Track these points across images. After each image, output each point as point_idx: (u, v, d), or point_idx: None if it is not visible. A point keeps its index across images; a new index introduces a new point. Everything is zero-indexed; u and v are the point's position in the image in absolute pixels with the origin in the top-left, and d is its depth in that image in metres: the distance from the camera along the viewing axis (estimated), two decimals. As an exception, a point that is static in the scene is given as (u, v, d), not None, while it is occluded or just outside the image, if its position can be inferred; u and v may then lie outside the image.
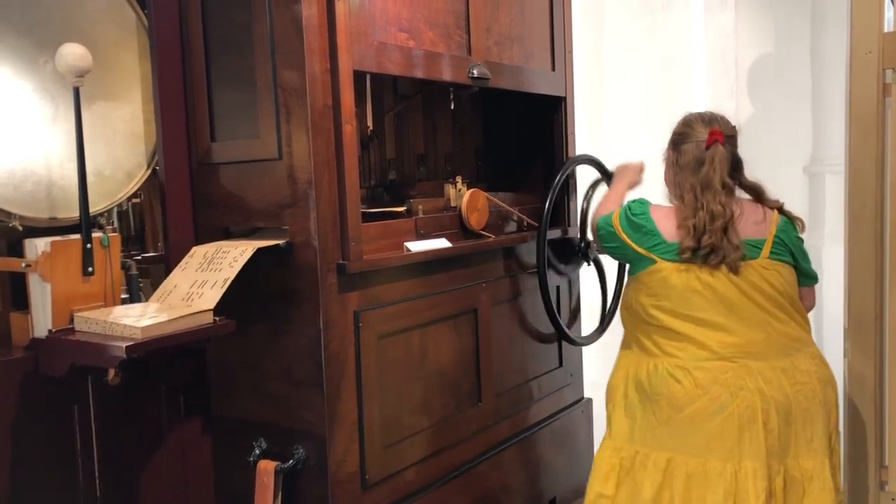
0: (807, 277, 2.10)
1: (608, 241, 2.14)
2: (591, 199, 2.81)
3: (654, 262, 2.02)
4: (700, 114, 2.12)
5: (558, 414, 2.89)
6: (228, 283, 1.86)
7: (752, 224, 2.02)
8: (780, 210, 2.07)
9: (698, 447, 1.92)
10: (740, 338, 1.94)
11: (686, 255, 1.96)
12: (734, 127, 2.10)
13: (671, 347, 1.99)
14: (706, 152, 2.02)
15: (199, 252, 2.02)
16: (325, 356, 1.95)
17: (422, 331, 2.24)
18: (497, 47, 2.50)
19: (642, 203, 2.11)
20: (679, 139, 2.10)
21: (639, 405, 2.03)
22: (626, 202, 2.15)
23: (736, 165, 2.06)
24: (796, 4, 4.09)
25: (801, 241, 2.10)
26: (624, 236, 2.07)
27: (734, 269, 1.95)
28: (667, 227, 2.02)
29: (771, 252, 2.00)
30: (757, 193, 2.09)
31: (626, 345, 2.16)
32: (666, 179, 2.17)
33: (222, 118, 2.12)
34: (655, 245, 2.02)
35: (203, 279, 1.90)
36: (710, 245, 1.94)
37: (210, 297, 1.84)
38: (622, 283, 2.91)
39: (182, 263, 2.02)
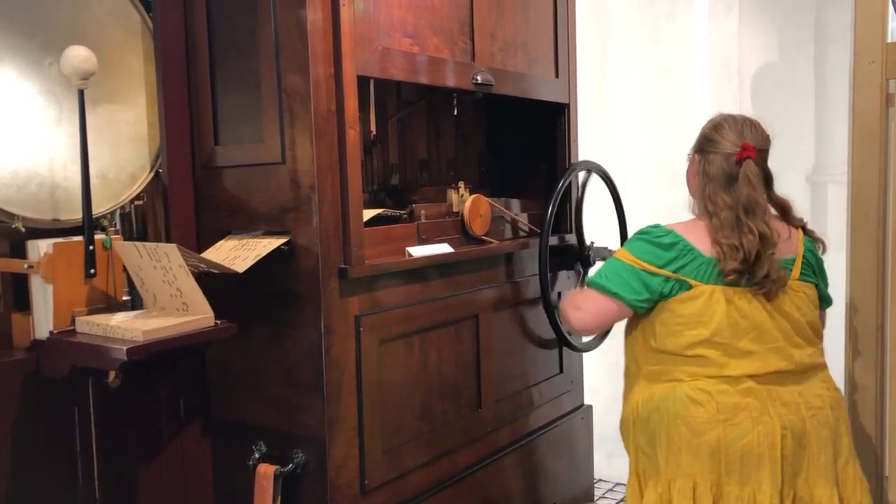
0: (824, 301, 2.06)
1: (628, 290, 1.89)
2: (584, 190, 2.79)
3: (688, 286, 1.87)
4: (733, 119, 1.96)
5: (558, 420, 2.89)
6: (260, 257, 1.92)
7: (781, 242, 1.91)
8: (804, 229, 2.02)
9: (718, 473, 1.84)
10: (769, 366, 1.87)
11: (732, 278, 1.82)
12: (768, 137, 1.96)
13: (690, 373, 1.89)
14: (737, 167, 1.89)
15: (232, 238, 2.09)
16: (325, 360, 1.95)
17: (422, 336, 2.24)
18: (501, 54, 2.50)
19: (658, 225, 1.94)
20: (707, 145, 1.96)
21: (656, 433, 1.91)
22: (634, 233, 1.99)
23: (767, 181, 1.95)
24: (800, 13, 4.10)
25: (823, 261, 2.04)
26: (648, 266, 1.89)
27: (771, 297, 1.86)
28: (700, 243, 1.88)
29: (801, 273, 1.94)
30: (784, 210, 2.00)
31: (632, 374, 2.03)
32: (690, 186, 2.06)
33: (226, 122, 2.12)
34: (690, 263, 1.87)
35: (234, 255, 1.98)
36: (764, 279, 1.83)
37: (241, 264, 1.92)
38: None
39: (216, 245, 2.07)
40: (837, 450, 1.91)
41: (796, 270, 1.94)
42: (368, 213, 2.20)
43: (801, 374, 1.92)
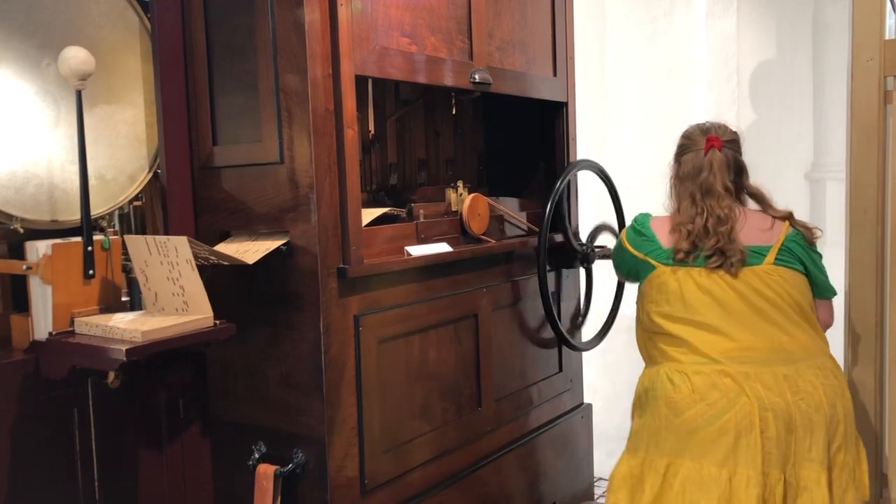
0: (821, 289, 2.08)
1: (621, 264, 2.22)
2: (594, 240, 2.82)
3: (653, 267, 2.08)
4: (699, 125, 2.17)
5: (558, 419, 2.89)
6: (269, 251, 1.95)
7: (756, 231, 2.03)
8: (791, 220, 2.06)
9: (694, 451, 1.91)
10: (740, 343, 1.94)
11: (680, 256, 2.01)
12: (734, 132, 2.14)
13: (673, 352, 2.01)
14: (704, 159, 2.07)
15: (233, 241, 2.09)
16: (325, 360, 1.95)
17: (422, 335, 2.24)
18: (499, 52, 2.50)
19: (645, 215, 2.19)
20: (680, 151, 2.16)
21: (643, 411, 2.05)
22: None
23: (738, 170, 2.09)
24: (798, 11, 4.11)
25: (818, 255, 2.08)
26: (629, 247, 2.15)
27: (733, 273, 1.97)
28: (662, 233, 2.09)
29: (776, 259, 1.99)
30: (760, 199, 2.10)
31: (643, 359, 2.20)
32: (672, 192, 2.21)
33: (224, 122, 2.12)
34: (652, 250, 2.08)
35: (244, 249, 2.02)
36: (714, 248, 1.98)
37: (251, 256, 1.95)
38: (623, 288, 2.91)
39: (222, 244, 2.08)
40: (832, 435, 1.93)
41: (771, 256, 2.00)
42: (372, 213, 2.20)
43: (788, 355, 1.94)
